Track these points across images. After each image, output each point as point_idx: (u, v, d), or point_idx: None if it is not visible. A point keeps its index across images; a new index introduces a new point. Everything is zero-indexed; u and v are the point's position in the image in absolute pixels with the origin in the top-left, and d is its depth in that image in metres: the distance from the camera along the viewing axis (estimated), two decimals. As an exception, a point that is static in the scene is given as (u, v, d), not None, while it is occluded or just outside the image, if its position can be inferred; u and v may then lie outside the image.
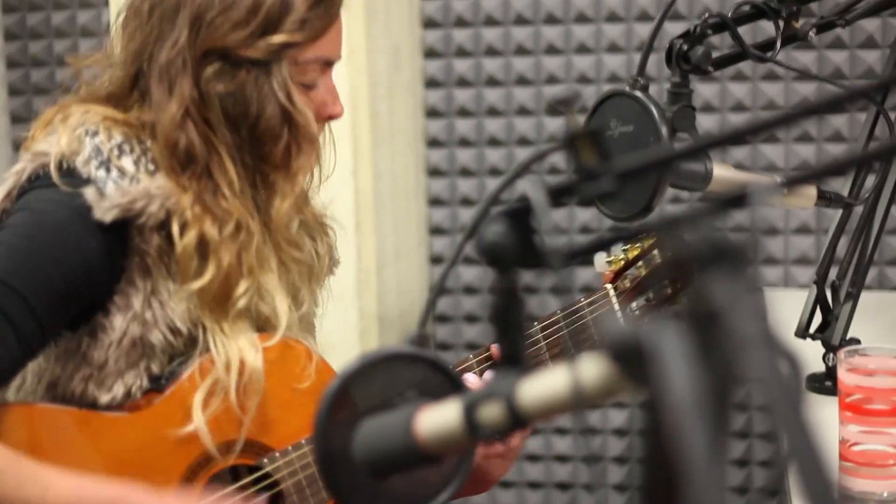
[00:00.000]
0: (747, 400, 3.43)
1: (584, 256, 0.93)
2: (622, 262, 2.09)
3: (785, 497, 1.72)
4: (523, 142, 3.56)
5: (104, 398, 1.79)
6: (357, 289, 3.14)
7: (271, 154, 1.81)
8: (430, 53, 3.60)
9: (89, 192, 1.71)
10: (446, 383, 1.10)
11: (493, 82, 3.58)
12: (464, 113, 3.60)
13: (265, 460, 1.86)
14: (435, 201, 3.65)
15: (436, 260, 3.66)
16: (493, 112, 3.59)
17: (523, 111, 3.56)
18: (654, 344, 0.62)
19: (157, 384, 1.80)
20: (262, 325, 1.86)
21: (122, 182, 1.73)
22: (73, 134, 1.76)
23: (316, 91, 1.83)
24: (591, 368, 0.88)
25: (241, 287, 1.79)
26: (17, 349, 1.65)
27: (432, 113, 3.62)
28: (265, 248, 1.84)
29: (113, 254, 1.73)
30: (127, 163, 1.75)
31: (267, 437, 1.86)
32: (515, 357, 0.97)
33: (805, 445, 0.57)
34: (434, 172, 3.64)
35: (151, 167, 1.77)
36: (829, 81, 2.70)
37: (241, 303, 1.79)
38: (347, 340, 3.09)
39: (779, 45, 1.85)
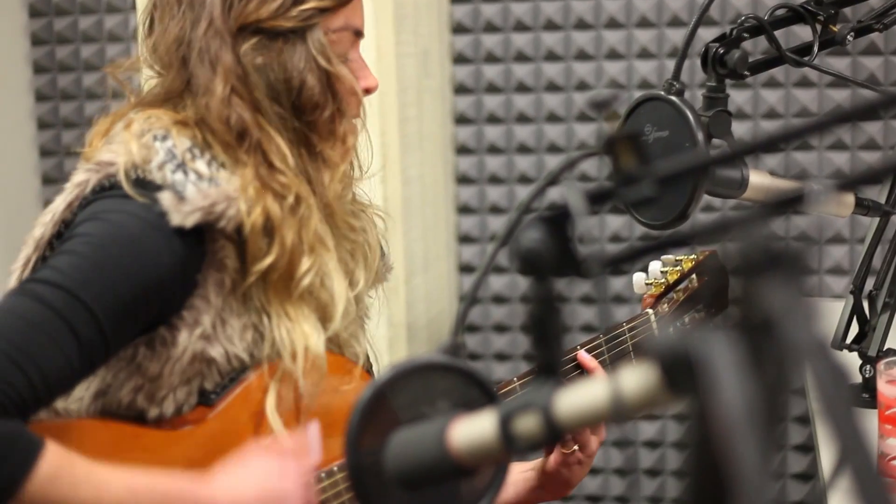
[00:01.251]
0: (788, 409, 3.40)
1: (621, 264, 0.90)
2: (662, 286, 2.08)
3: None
4: (553, 149, 3.53)
5: (153, 412, 1.76)
6: (385, 297, 3.11)
7: (317, 122, 1.80)
8: (459, 59, 3.58)
9: (165, 198, 1.68)
10: (480, 394, 1.08)
11: (522, 88, 3.56)
12: (493, 119, 3.58)
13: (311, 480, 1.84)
14: (464, 209, 3.63)
15: (465, 269, 3.63)
16: (522, 119, 3.56)
17: (553, 118, 3.54)
18: (704, 353, 0.60)
19: (207, 399, 1.78)
20: (322, 312, 1.84)
21: (202, 184, 1.70)
22: (141, 141, 1.73)
23: (349, 64, 1.83)
24: (630, 379, 0.86)
25: (305, 265, 1.77)
26: (79, 363, 1.62)
27: (461, 119, 3.60)
28: (322, 225, 1.82)
29: (188, 266, 1.70)
30: (201, 165, 1.73)
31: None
32: (552, 367, 0.95)
33: (861, 455, 0.54)
34: (463, 180, 3.62)
35: (223, 170, 1.75)
36: (867, 86, 2.67)
37: (305, 281, 1.77)
38: (376, 349, 3.06)
39: (816, 48, 1.82)
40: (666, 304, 2.07)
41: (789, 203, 0.63)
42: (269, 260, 1.74)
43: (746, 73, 1.74)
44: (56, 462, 1.56)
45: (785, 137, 0.84)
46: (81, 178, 1.74)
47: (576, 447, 1.98)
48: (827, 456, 2.07)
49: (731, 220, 0.62)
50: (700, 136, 1.65)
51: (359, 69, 1.86)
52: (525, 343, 3.61)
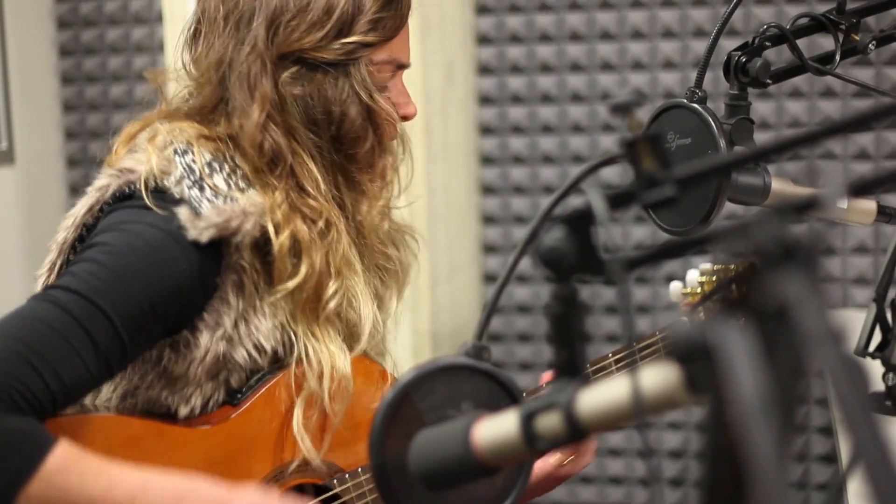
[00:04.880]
0: (806, 395, 3.38)
1: (643, 266, 0.91)
2: (699, 296, 2.08)
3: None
4: (577, 159, 3.54)
5: (183, 410, 1.78)
6: (410, 306, 3.13)
7: (357, 155, 1.82)
8: (483, 70, 3.60)
9: (183, 213, 1.70)
10: (503, 394, 1.09)
11: (547, 99, 3.57)
12: (517, 130, 3.59)
13: (334, 481, 1.85)
14: (488, 219, 3.64)
15: (489, 278, 3.65)
16: (546, 129, 3.57)
17: (577, 128, 3.55)
18: (720, 342, 0.61)
19: (233, 398, 1.80)
20: (349, 332, 1.85)
21: (217, 201, 1.72)
22: (162, 154, 1.75)
23: (389, 93, 1.84)
24: (652, 378, 0.87)
25: (331, 288, 1.79)
26: (96, 368, 1.64)
27: (486, 130, 3.61)
28: (351, 249, 1.84)
29: (206, 273, 1.72)
30: (219, 181, 1.75)
31: (337, 457, 1.85)
32: (574, 367, 0.96)
33: (873, 443, 0.55)
34: (487, 190, 3.63)
35: (243, 184, 1.77)
36: (889, 95, 2.67)
37: (332, 304, 1.79)
38: (400, 359, 3.08)
39: (838, 57, 1.82)
40: (702, 313, 2.07)
41: (803, 208, 0.64)
42: (296, 280, 1.76)
43: (769, 81, 1.75)
44: (66, 457, 1.57)
45: (817, 136, 0.85)
46: (103, 182, 1.77)
47: (571, 458, 1.95)
48: (845, 441, 2.07)
49: (749, 221, 0.64)
50: (723, 143, 1.65)
51: (398, 96, 1.87)
52: (548, 353, 3.62)
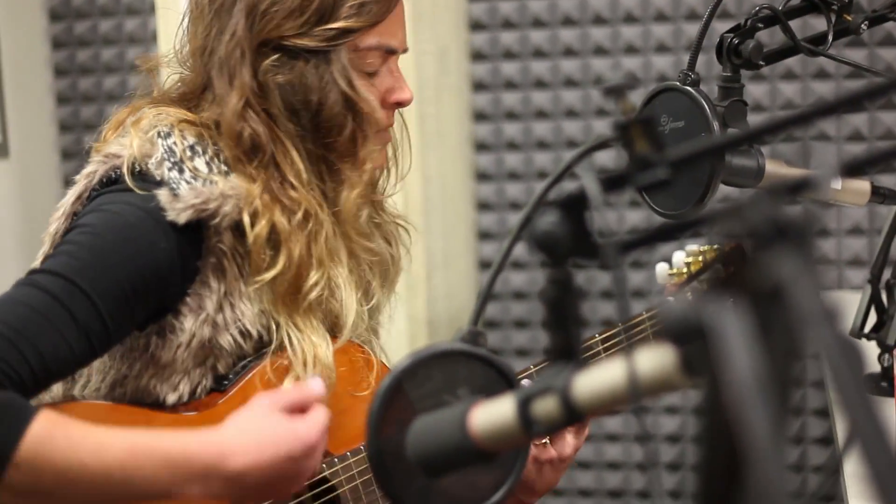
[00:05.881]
0: (802, 376, 3.38)
1: (637, 248, 0.91)
2: (685, 275, 2.07)
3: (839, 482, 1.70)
4: (571, 144, 3.54)
5: (171, 397, 1.78)
6: (406, 294, 3.13)
7: (336, 143, 1.81)
8: (477, 56, 3.59)
9: (162, 194, 1.70)
10: (499, 380, 1.09)
11: (540, 84, 3.56)
12: (511, 116, 3.59)
13: (324, 465, 1.85)
14: (483, 206, 3.64)
15: (485, 265, 3.64)
16: (540, 115, 3.57)
17: (571, 113, 3.55)
18: (714, 323, 0.61)
19: (220, 385, 1.80)
20: (332, 322, 1.85)
21: (196, 183, 1.72)
22: (146, 136, 1.75)
23: (379, 78, 1.83)
24: (648, 361, 0.87)
25: (312, 278, 1.78)
26: (80, 348, 1.64)
27: (480, 116, 3.61)
28: (335, 239, 1.83)
29: (186, 255, 1.72)
30: (200, 164, 1.74)
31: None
32: (569, 351, 0.96)
33: (870, 424, 0.55)
34: (482, 176, 3.63)
35: (224, 168, 1.76)
36: (883, 75, 2.67)
37: (313, 294, 1.78)
38: (397, 346, 3.08)
39: (831, 37, 1.82)
40: (689, 294, 2.07)
41: (797, 188, 0.64)
42: (274, 272, 1.75)
43: (761, 62, 1.75)
44: (49, 425, 1.56)
45: (810, 116, 0.85)
46: (90, 169, 1.78)
47: (546, 440, 1.92)
48: (841, 423, 2.07)
49: (743, 202, 0.64)
50: (716, 125, 1.65)
51: (392, 81, 1.85)
52: (545, 339, 3.62)
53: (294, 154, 1.78)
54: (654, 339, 2.03)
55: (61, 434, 1.57)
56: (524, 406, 0.96)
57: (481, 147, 3.62)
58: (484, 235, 3.64)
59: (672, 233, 0.90)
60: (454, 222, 3.52)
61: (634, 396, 0.86)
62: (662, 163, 0.90)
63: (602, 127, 3.52)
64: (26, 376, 1.59)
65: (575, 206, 0.93)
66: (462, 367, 1.09)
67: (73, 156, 3.83)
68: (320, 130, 1.79)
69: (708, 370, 0.64)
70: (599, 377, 0.92)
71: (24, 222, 3.69)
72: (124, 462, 1.58)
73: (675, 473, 3.59)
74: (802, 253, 0.56)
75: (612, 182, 0.92)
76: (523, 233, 0.97)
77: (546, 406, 0.94)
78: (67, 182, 3.72)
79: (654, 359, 0.86)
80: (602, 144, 1.01)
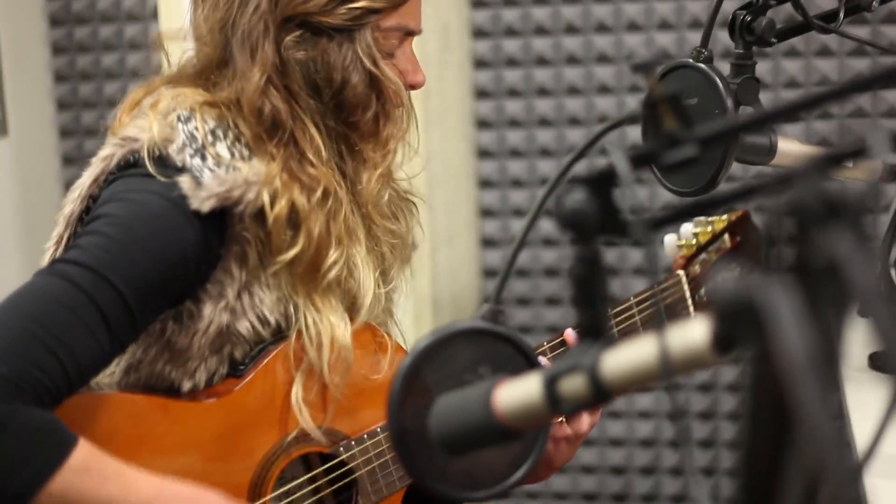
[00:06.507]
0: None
1: (668, 225, 0.90)
2: (694, 247, 2.07)
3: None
4: (573, 122, 3.53)
5: (187, 384, 1.77)
6: (411, 272, 3.12)
7: (359, 123, 1.80)
8: (478, 33, 3.58)
9: (185, 182, 1.69)
10: (520, 359, 1.08)
11: (542, 62, 3.55)
12: (513, 93, 3.58)
13: (341, 448, 1.85)
14: (485, 183, 3.62)
15: (487, 242, 3.63)
16: (542, 92, 3.56)
17: (573, 90, 3.53)
18: (767, 301, 0.60)
19: (236, 370, 1.79)
20: (349, 302, 1.84)
21: (219, 171, 1.70)
22: (165, 120, 1.73)
23: (396, 59, 1.81)
24: (679, 338, 0.86)
25: (331, 257, 1.77)
26: (109, 345, 1.64)
27: (481, 93, 3.60)
28: (353, 218, 1.82)
29: (210, 243, 1.71)
30: (222, 149, 1.73)
31: (341, 424, 1.85)
32: (597, 328, 0.95)
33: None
34: (484, 154, 3.62)
35: (246, 152, 1.74)
36: (893, 52, 2.66)
37: (332, 274, 1.77)
38: (401, 323, 3.07)
39: (842, 14, 1.81)
40: (698, 266, 2.07)
41: (848, 155, 0.63)
42: (294, 251, 1.74)
43: (774, 39, 1.74)
44: (87, 457, 1.58)
45: (824, 100, 0.84)
46: (107, 152, 1.76)
47: (562, 419, 1.92)
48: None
49: (790, 175, 0.63)
50: (730, 102, 1.65)
51: (407, 64, 1.84)
52: (546, 316, 3.61)
53: (313, 131, 1.76)
54: (667, 312, 2.03)
55: (96, 469, 1.58)
56: (551, 384, 0.95)
57: (483, 124, 3.61)
58: (486, 213, 3.63)
59: (701, 208, 0.89)
60: (456, 200, 3.51)
61: (665, 374, 0.86)
62: (691, 140, 0.90)
63: (605, 104, 3.50)
64: (63, 385, 1.59)
65: (603, 182, 0.93)
66: (483, 345, 1.08)
67: (72, 133, 3.81)
68: (343, 109, 1.78)
69: (756, 347, 0.63)
70: (628, 355, 0.91)
71: (23, 200, 3.67)
72: (149, 502, 1.61)
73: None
74: (857, 230, 0.56)
75: (641, 159, 0.91)
76: (546, 209, 0.96)
77: (574, 384, 0.94)
78: (66, 160, 3.76)
79: (685, 336, 0.86)
80: (628, 120, 1.00)
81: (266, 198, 1.71)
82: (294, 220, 1.75)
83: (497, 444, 1.05)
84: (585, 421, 1.93)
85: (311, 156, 1.76)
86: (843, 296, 0.57)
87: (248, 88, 1.73)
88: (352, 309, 1.84)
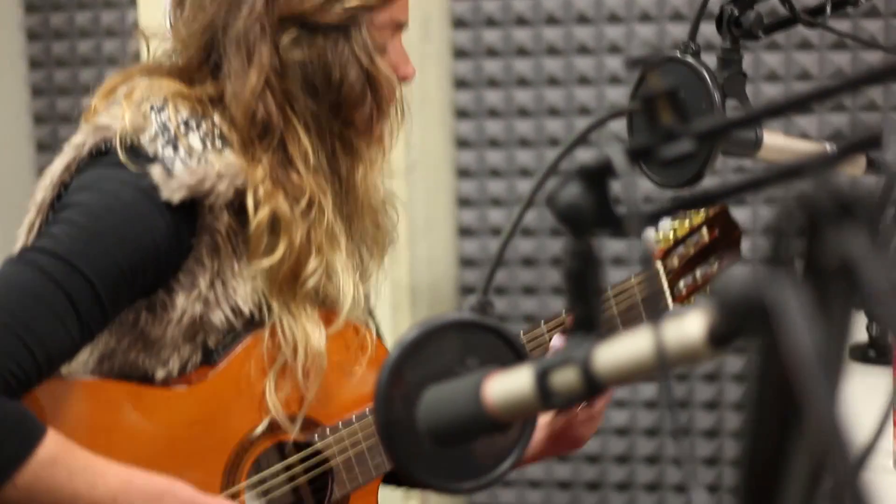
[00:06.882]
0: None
1: (663, 217, 0.90)
2: (671, 241, 2.07)
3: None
4: (553, 113, 3.52)
5: (160, 373, 1.77)
6: (388, 261, 3.11)
7: (355, 120, 1.79)
8: (458, 23, 3.57)
9: (156, 172, 1.68)
10: (508, 351, 1.08)
11: (522, 52, 3.54)
12: (493, 83, 3.57)
13: (315, 436, 1.84)
14: (463, 172, 3.62)
15: (464, 232, 3.62)
16: (522, 82, 3.55)
17: (553, 81, 3.53)
18: (778, 299, 0.60)
19: (210, 359, 1.78)
20: (329, 307, 1.84)
21: (191, 162, 1.69)
22: (138, 110, 1.72)
23: (388, 54, 1.81)
24: (674, 331, 0.86)
25: (311, 266, 1.77)
26: (79, 334, 1.63)
27: (461, 83, 3.59)
28: (336, 225, 1.81)
29: (181, 233, 1.71)
30: (194, 140, 1.72)
31: (318, 413, 1.84)
32: (590, 322, 0.95)
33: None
34: (462, 143, 3.61)
35: (219, 144, 1.73)
36: (880, 48, 2.67)
37: (311, 283, 1.77)
38: (380, 314, 3.07)
39: (829, 8, 1.82)
40: (676, 259, 2.07)
41: (861, 145, 0.63)
42: (272, 259, 1.74)
43: (761, 33, 1.74)
44: (55, 449, 1.57)
45: (840, 90, 0.83)
46: (80, 139, 1.75)
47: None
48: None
49: (802, 167, 0.62)
50: (717, 96, 1.65)
51: (397, 57, 1.84)
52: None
53: (304, 136, 1.76)
54: (644, 304, 2.03)
55: (63, 462, 1.58)
56: (542, 378, 0.95)
57: (462, 114, 3.60)
58: (464, 202, 3.62)
59: (695, 203, 0.89)
60: (435, 189, 3.50)
61: (660, 368, 0.85)
62: (688, 135, 0.89)
63: (584, 95, 3.50)
64: (32, 373, 1.58)
65: (598, 176, 0.92)
66: (471, 337, 1.08)
67: (47, 119, 3.78)
68: (340, 107, 1.77)
69: (763, 342, 0.63)
70: (621, 348, 0.91)
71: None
72: (116, 497, 1.61)
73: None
74: (869, 229, 0.56)
75: (637, 153, 0.91)
76: (537, 202, 0.96)
77: (565, 377, 0.93)
78: (40, 146, 3.72)
79: (679, 329, 0.85)
80: (620, 112, 1.00)
81: (250, 201, 1.71)
82: (275, 227, 1.74)
83: (486, 436, 1.05)
84: (600, 400, 1.95)
85: (298, 163, 1.75)
86: (853, 295, 0.57)
87: (244, 92, 1.72)
88: (330, 313, 1.84)
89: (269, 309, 1.78)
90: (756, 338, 0.65)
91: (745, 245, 3.27)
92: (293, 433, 1.81)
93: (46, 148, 3.72)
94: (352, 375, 1.85)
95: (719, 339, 0.81)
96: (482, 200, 3.60)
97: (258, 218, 1.71)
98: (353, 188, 1.83)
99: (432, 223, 3.45)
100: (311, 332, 1.78)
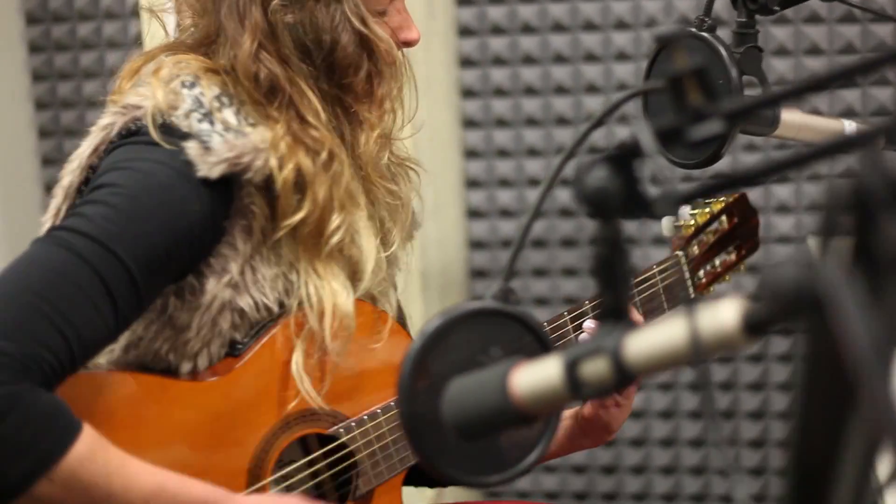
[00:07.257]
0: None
1: (695, 199, 0.87)
2: (692, 228, 2.05)
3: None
4: (560, 90, 3.49)
5: (185, 365, 1.74)
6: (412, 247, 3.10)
7: (353, 84, 1.77)
8: (463, 1, 3.53)
9: (192, 148, 1.65)
10: (532, 339, 1.06)
11: (528, 29, 3.51)
12: (499, 62, 3.53)
13: (341, 430, 1.82)
14: (470, 153, 3.58)
15: (473, 213, 3.59)
16: (528, 60, 3.51)
17: (560, 59, 3.49)
18: (832, 291, 0.57)
19: (234, 350, 1.75)
20: (352, 269, 1.81)
21: (228, 135, 1.66)
22: (168, 86, 1.69)
23: (388, 17, 1.79)
24: (708, 319, 0.84)
25: (335, 222, 1.74)
26: (114, 322, 1.59)
27: (466, 62, 3.55)
28: (354, 182, 1.79)
29: (216, 214, 1.68)
30: (229, 115, 1.69)
31: (342, 406, 1.82)
32: (619, 310, 0.93)
33: None
34: (469, 123, 3.57)
35: (251, 119, 1.71)
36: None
37: (335, 239, 1.74)
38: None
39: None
40: (696, 246, 2.04)
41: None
42: (300, 215, 1.71)
43: (776, 7, 1.71)
44: (92, 445, 1.54)
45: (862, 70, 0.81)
46: (107, 121, 1.71)
47: None
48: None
49: (829, 147, 0.60)
50: (734, 72, 1.62)
51: (399, 20, 1.82)
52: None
53: (310, 94, 1.73)
54: (665, 293, 2.01)
55: (100, 459, 1.55)
56: (572, 368, 0.92)
57: (468, 93, 3.57)
58: (472, 183, 3.59)
59: (730, 185, 0.87)
60: (442, 170, 3.47)
61: (695, 356, 0.83)
62: (718, 115, 0.87)
63: (591, 72, 3.46)
64: (68, 365, 1.54)
65: (624, 159, 0.90)
66: (494, 325, 1.06)
67: (47, 105, 3.75)
68: (335, 71, 1.75)
69: (815, 334, 0.60)
70: (654, 336, 0.89)
71: (2, 205, 3.61)
72: (150, 495, 1.58)
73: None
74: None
75: (666, 135, 0.88)
76: (552, 186, 0.93)
77: (595, 368, 0.91)
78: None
79: (714, 317, 0.83)
80: (649, 90, 0.97)
81: (274, 162, 1.68)
82: (300, 184, 1.71)
83: (511, 429, 1.03)
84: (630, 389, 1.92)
85: (311, 118, 1.73)
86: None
87: (241, 55, 1.70)
88: (354, 277, 1.81)
89: (297, 276, 1.74)
90: (802, 325, 0.63)
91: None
92: (321, 405, 1.78)
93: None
94: (374, 365, 1.83)
95: (756, 326, 0.79)
96: (490, 181, 3.57)
97: (283, 175, 1.68)
98: (358, 153, 1.80)
99: (440, 205, 3.42)
100: (339, 292, 1.75)
